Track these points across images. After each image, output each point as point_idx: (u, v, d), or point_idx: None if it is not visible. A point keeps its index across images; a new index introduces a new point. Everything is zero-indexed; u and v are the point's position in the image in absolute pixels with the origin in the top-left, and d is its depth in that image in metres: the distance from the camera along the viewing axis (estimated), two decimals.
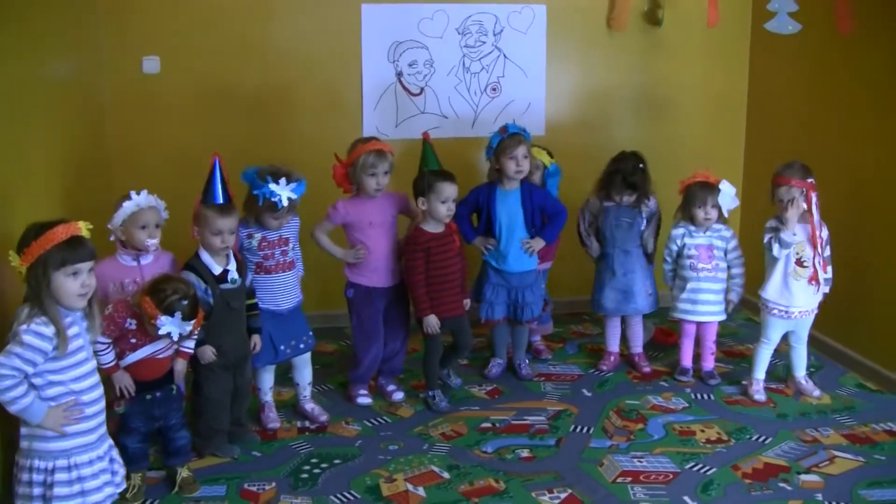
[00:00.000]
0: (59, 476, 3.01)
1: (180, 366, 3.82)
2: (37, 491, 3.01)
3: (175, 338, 3.55)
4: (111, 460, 3.19)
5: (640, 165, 4.92)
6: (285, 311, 4.35)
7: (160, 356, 3.69)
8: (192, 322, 3.55)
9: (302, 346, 4.42)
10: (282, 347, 4.33)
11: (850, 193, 5.02)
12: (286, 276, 4.34)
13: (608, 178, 4.97)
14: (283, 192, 4.09)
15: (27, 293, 3.01)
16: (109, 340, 3.58)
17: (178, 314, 3.49)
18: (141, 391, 3.67)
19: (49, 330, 2.94)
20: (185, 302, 3.52)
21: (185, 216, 4.05)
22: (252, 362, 4.27)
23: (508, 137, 4.72)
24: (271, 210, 4.15)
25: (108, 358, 3.60)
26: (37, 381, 2.97)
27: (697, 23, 5.50)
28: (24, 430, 3.02)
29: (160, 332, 3.50)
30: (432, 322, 4.55)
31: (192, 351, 3.86)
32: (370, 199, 4.53)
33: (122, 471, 3.26)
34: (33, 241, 2.97)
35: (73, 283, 3.00)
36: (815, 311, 4.68)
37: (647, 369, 5.10)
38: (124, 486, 3.29)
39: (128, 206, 3.81)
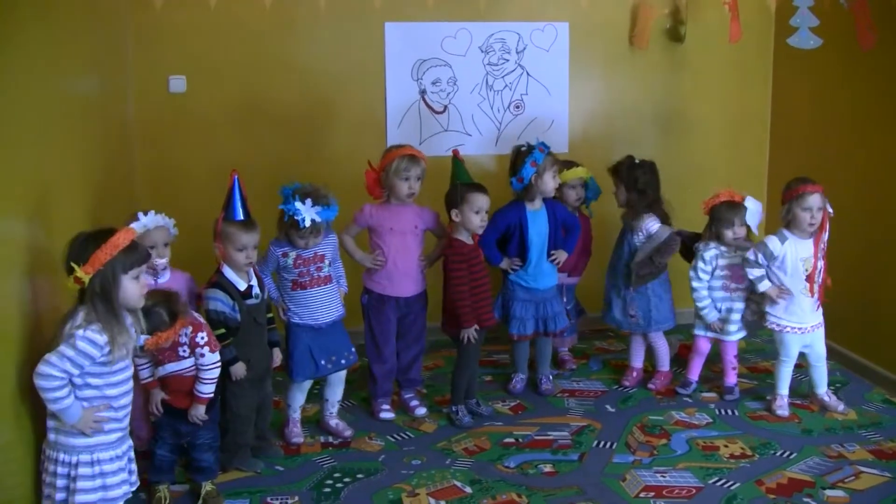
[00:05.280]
0: (83, 470, 3.10)
1: (196, 411, 3.77)
2: (61, 482, 3.10)
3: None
4: (129, 460, 3.27)
5: (636, 161, 4.90)
6: (324, 326, 4.37)
7: (186, 375, 3.76)
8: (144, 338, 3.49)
9: (343, 361, 4.45)
10: (322, 362, 4.36)
11: (873, 208, 5.00)
12: (322, 291, 4.37)
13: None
14: (307, 213, 4.12)
15: (89, 299, 3.07)
16: (148, 359, 3.74)
17: None
18: (170, 413, 3.81)
19: (102, 338, 3.02)
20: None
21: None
22: (291, 376, 4.34)
23: (548, 155, 4.75)
24: (295, 228, 4.18)
25: (147, 373, 3.77)
26: (76, 380, 3.05)
27: (720, 39, 5.51)
28: (50, 423, 3.11)
29: None
30: (473, 333, 4.56)
31: (207, 396, 3.77)
32: (397, 206, 4.59)
33: (135, 468, 3.33)
34: (97, 249, 3.05)
35: (137, 285, 3.15)
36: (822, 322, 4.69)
37: (652, 386, 5.08)
38: (138, 483, 3.35)
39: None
